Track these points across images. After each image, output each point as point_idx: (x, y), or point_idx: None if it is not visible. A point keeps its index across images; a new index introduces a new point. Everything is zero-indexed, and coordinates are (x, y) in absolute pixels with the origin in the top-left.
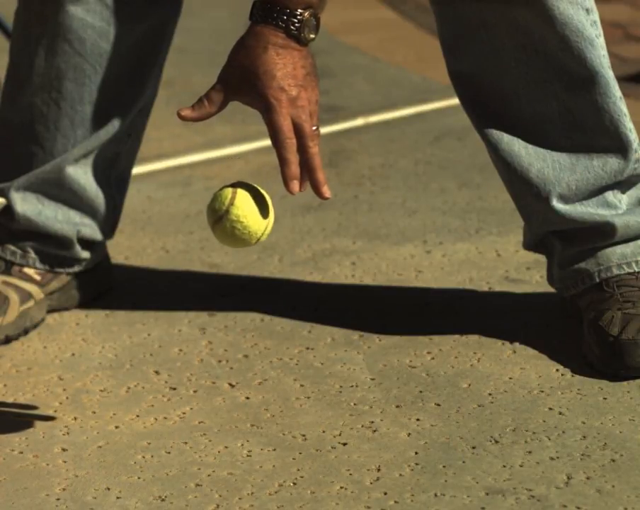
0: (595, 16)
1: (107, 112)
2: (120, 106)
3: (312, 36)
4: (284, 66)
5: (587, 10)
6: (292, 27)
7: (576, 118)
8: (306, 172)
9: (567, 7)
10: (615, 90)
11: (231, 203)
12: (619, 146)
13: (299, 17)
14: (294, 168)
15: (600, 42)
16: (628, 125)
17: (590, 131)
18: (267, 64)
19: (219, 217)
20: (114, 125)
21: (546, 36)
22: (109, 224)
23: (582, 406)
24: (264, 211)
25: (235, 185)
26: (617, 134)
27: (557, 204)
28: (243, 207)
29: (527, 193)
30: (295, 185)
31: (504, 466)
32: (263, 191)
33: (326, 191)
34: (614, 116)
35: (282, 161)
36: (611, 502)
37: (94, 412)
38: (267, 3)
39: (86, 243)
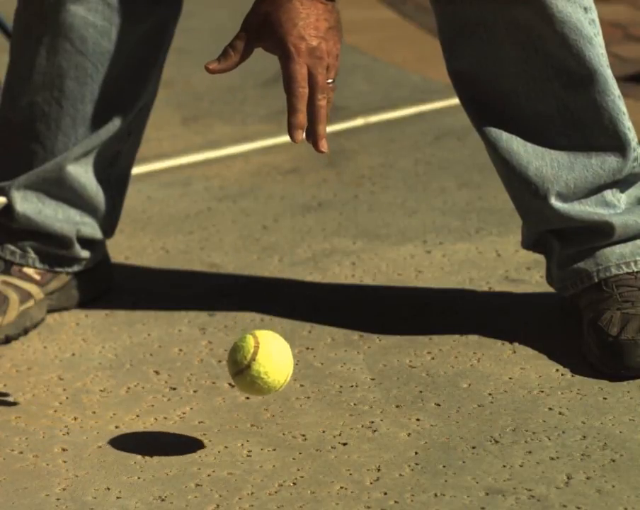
0: (594, 15)
1: (108, 111)
2: (121, 105)
3: None
4: (307, 16)
5: (585, 8)
6: None
7: (575, 116)
8: (309, 122)
9: (565, 5)
10: (614, 88)
11: (253, 358)
12: (618, 145)
13: None
14: (302, 117)
15: (599, 40)
16: (627, 123)
17: (588, 129)
18: (291, 12)
19: (240, 370)
20: (115, 124)
21: (545, 34)
22: (109, 223)
23: (582, 406)
24: (284, 364)
25: (257, 336)
26: (616, 132)
27: (555, 202)
28: (264, 363)
29: (525, 191)
30: (299, 134)
31: (504, 466)
32: (283, 342)
33: (323, 145)
34: (613, 114)
35: (291, 109)
36: (611, 502)
37: (94, 412)
38: None
39: (86, 242)
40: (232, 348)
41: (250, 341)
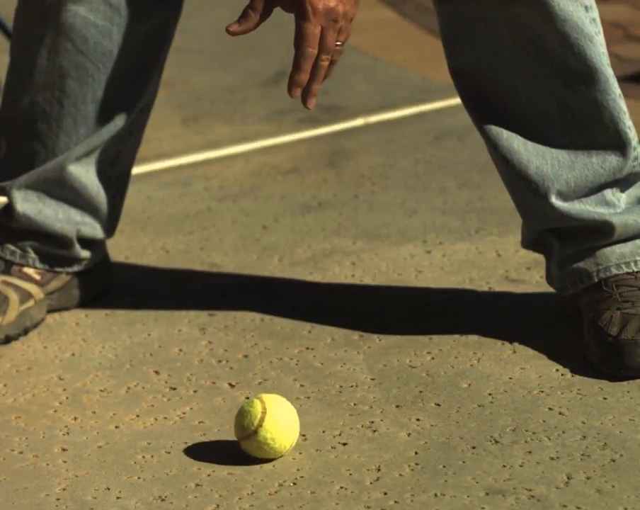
0: (595, 14)
1: (109, 111)
2: (122, 105)
3: None
4: None
5: (586, 7)
6: None
7: (575, 115)
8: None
9: (567, 3)
10: (615, 87)
11: (260, 425)
12: (618, 144)
13: None
14: (304, 76)
15: (600, 39)
16: (627, 122)
17: (589, 128)
18: None
19: (246, 435)
20: (116, 124)
21: (546, 32)
22: (109, 222)
23: (582, 406)
24: (291, 430)
25: (264, 401)
26: (616, 131)
27: (556, 201)
28: (272, 430)
29: (525, 190)
30: (297, 91)
31: (504, 466)
32: (290, 407)
33: (311, 103)
34: (614, 113)
35: (296, 66)
36: (611, 502)
37: (94, 412)
38: None
39: (86, 242)
40: (239, 412)
41: (257, 407)
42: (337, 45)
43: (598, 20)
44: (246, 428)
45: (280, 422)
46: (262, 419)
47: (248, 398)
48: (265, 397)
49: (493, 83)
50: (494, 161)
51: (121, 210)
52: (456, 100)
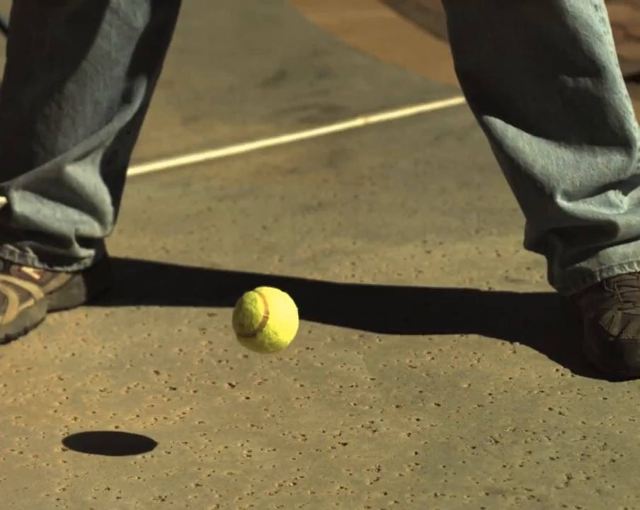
0: (604, 13)
1: (108, 112)
2: (120, 106)
3: None
4: None
5: (595, 6)
6: None
7: (581, 114)
8: None
9: (577, 0)
10: (622, 87)
11: (260, 329)
12: (624, 143)
13: None
14: None
15: (608, 38)
16: (633, 122)
17: (594, 127)
18: None
19: (245, 334)
20: (114, 125)
21: (555, 30)
22: (108, 220)
23: (582, 406)
24: (291, 330)
25: (267, 302)
26: (622, 130)
27: (561, 201)
28: (271, 334)
29: (530, 190)
30: None
31: (504, 466)
32: (291, 307)
33: None
34: (620, 112)
35: None
36: (611, 502)
37: (94, 412)
38: None
39: (85, 241)
40: (240, 308)
41: (259, 308)
42: None
43: (607, 20)
44: (246, 328)
45: (281, 326)
46: (263, 323)
47: (248, 398)
48: (268, 295)
49: (498, 83)
50: (498, 160)
51: (119, 207)
52: (457, 100)
